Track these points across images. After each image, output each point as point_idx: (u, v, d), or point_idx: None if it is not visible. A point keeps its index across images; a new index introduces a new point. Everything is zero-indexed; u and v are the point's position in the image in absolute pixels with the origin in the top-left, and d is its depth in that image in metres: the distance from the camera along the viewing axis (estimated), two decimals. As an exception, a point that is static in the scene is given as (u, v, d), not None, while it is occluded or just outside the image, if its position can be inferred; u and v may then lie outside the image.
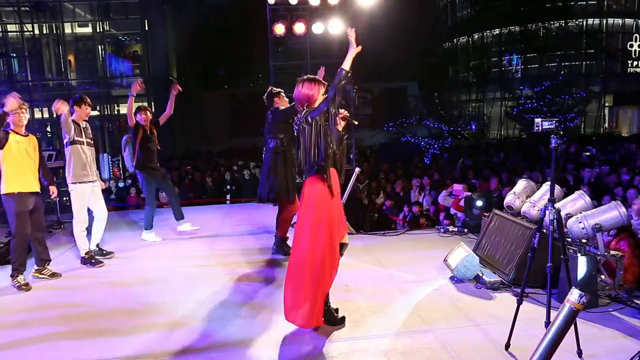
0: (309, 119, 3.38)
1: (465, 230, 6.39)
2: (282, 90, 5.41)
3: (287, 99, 5.36)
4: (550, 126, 2.95)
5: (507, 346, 3.26)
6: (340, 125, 3.66)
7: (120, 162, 18.61)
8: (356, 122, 3.84)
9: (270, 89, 5.44)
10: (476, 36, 35.28)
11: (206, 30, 32.85)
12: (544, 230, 3.47)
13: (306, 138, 3.41)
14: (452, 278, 4.65)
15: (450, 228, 6.49)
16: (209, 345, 3.45)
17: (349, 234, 6.27)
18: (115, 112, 22.48)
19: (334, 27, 9.14)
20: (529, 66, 32.35)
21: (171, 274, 5.07)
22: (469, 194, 7.16)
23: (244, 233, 6.78)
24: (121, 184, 11.59)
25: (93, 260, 5.42)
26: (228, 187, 11.14)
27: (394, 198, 9.16)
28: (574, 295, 2.25)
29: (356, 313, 3.90)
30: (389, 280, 4.74)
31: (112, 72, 23.65)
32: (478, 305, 4.10)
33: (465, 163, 13.42)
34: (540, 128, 2.99)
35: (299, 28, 8.88)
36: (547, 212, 3.02)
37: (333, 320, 3.65)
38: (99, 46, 23.14)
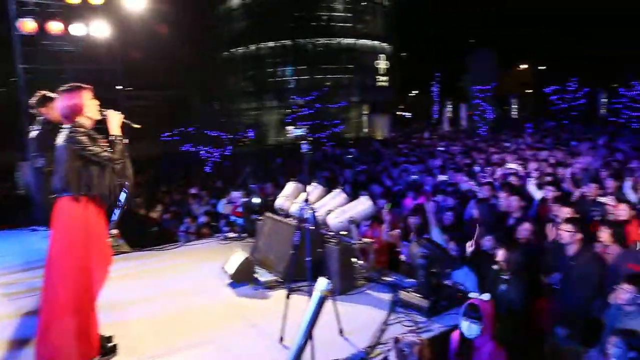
0: (74, 144, 3.06)
1: (245, 235, 6.57)
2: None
3: None
4: (300, 133, 3.26)
5: (282, 339, 3.49)
6: (119, 131, 3.38)
7: None
8: (137, 125, 3.58)
9: (42, 94, 4.69)
10: (253, 47, 36.98)
11: None
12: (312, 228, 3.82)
13: (67, 157, 3.07)
14: (231, 284, 4.75)
15: (230, 234, 6.60)
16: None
17: (123, 252, 5.91)
18: None
19: (97, 29, 8.46)
20: (301, 77, 35.39)
21: None
22: (247, 199, 7.38)
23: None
24: None
25: None
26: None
27: (174, 210, 8.92)
28: (322, 283, 2.55)
29: (130, 336, 3.65)
30: (167, 295, 4.58)
31: None
32: (256, 306, 4.29)
33: (248, 170, 13.87)
34: (292, 135, 3.28)
35: (54, 27, 7.97)
36: (305, 210, 3.34)
37: (103, 350, 3.35)
38: None
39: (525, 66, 52.37)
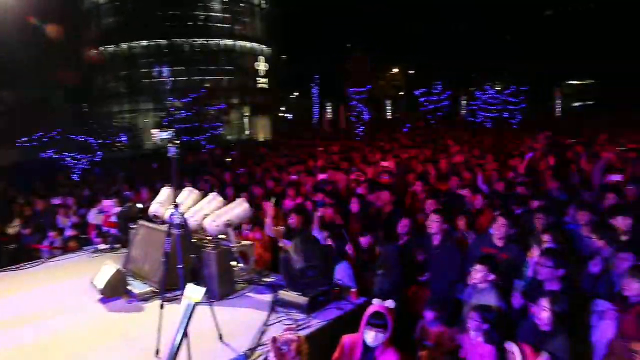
0: None
1: (118, 246, 6.14)
2: None
3: None
4: (167, 136, 3.13)
5: (158, 352, 3.32)
6: None
7: None
8: None
9: None
10: (125, 46, 34.73)
11: None
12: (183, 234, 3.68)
13: None
14: (102, 299, 4.40)
15: (102, 247, 6.13)
16: None
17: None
18: None
19: None
20: (178, 78, 34.07)
21: None
22: (121, 209, 6.91)
23: None
24: None
25: None
26: None
27: (35, 223, 8.00)
28: (191, 290, 2.47)
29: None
30: (25, 320, 4.10)
31: None
32: (129, 320, 4.03)
33: (122, 176, 13.05)
34: (158, 138, 3.14)
35: None
36: (175, 216, 3.21)
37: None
38: None
39: (397, 70, 56.23)
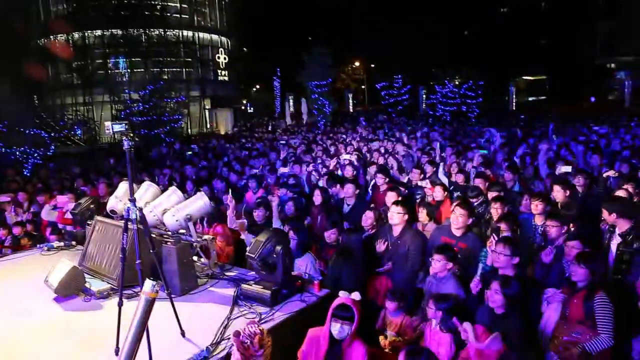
0: None
1: (74, 243, 5.94)
2: None
3: None
4: (120, 129, 3.06)
5: (117, 350, 3.23)
6: None
7: None
8: None
9: None
10: (77, 35, 33.27)
11: None
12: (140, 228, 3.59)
13: None
14: (57, 298, 4.24)
15: (56, 244, 5.91)
16: None
17: None
18: None
19: None
20: (135, 70, 32.96)
21: None
22: (76, 204, 6.67)
23: None
24: None
25: None
26: None
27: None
28: (147, 286, 2.42)
29: None
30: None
31: None
32: (87, 318, 3.91)
33: (77, 171, 12.65)
34: (111, 131, 3.04)
35: None
36: (131, 211, 3.13)
37: None
38: None
39: (358, 63, 56.53)
